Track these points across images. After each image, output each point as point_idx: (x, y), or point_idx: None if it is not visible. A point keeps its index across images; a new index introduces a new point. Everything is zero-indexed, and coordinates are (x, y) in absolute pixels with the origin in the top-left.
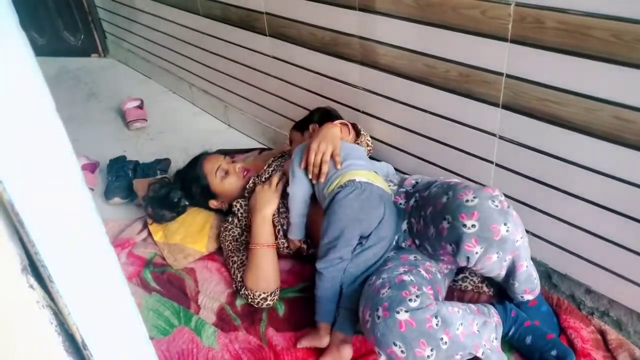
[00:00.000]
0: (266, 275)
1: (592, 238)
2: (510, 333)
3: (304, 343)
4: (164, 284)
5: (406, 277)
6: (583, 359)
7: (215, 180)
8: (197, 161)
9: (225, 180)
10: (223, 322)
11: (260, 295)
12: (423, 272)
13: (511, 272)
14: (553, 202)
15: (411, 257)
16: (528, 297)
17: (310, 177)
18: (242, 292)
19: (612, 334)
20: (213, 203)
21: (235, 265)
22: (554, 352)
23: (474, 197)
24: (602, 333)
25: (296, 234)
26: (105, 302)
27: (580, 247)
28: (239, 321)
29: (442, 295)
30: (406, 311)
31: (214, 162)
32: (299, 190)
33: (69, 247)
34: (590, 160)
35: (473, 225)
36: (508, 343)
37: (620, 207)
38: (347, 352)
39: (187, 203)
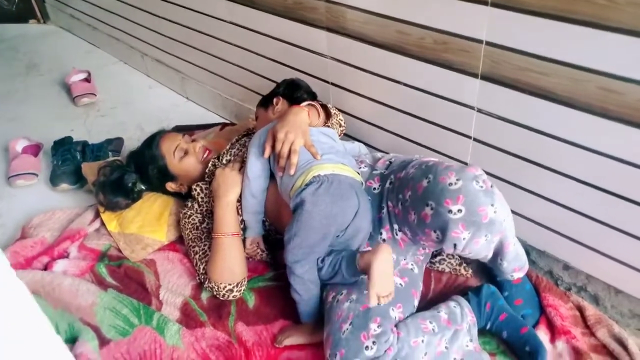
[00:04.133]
0: (231, 265)
1: (572, 214)
2: (487, 327)
3: (287, 342)
4: (122, 279)
5: None
6: (563, 336)
7: (173, 161)
8: (154, 140)
9: (184, 160)
10: (188, 318)
11: (225, 287)
12: (397, 280)
13: (499, 252)
14: (533, 178)
15: None
16: (518, 274)
17: (277, 169)
18: (205, 284)
19: (590, 310)
20: (171, 186)
21: (197, 256)
22: (527, 348)
23: (457, 179)
24: (580, 309)
25: (250, 231)
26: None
27: (559, 224)
28: (205, 316)
29: (417, 298)
30: None
31: (172, 141)
32: (255, 184)
33: None
34: (572, 134)
35: (459, 210)
36: (489, 332)
37: (601, 182)
38: (385, 247)
39: (143, 187)
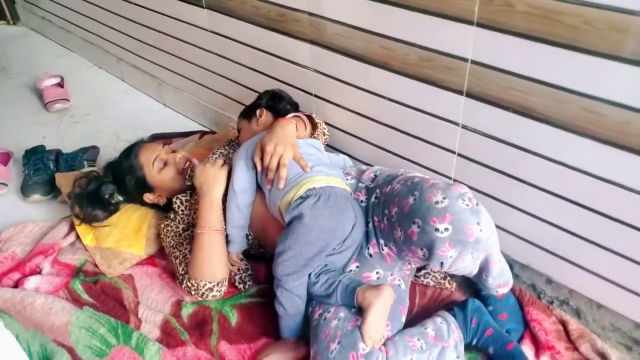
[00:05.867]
0: (212, 262)
1: (555, 230)
2: (474, 343)
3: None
4: (98, 296)
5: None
6: (548, 351)
7: (152, 172)
8: (132, 150)
9: (163, 171)
10: (168, 337)
11: (205, 285)
12: None
13: (484, 268)
14: (516, 194)
15: (374, 276)
16: (503, 290)
17: (265, 182)
18: (184, 284)
19: (573, 324)
20: (148, 197)
21: (177, 260)
22: None
23: (444, 198)
24: (563, 323)
25: (234, 246)
26: None
27: (542, 239)
28: (187, 335)
29: (404, 314)
30: None
31: (151, 152)
32: (241, 197)
33: None
34: (555, 152)
35: (446, 229)
36: (474, 348)
37: (583, 199)
38: (388, 290)
39: (120, 199)
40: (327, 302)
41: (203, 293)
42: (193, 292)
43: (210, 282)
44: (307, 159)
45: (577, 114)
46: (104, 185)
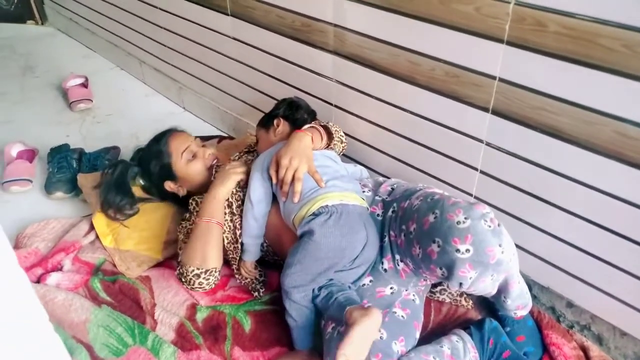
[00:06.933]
0: (204, 250)
1: (578, 252)
2: None
3: None
4: (116, 295)
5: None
6: None
7: (179, 162)
8: (163, 136)
9: (191, 163)
10: (183, 340)
11: (193, 271)
12: (399, 312)
13: (503, 289)
14: (539, 214)
15: (387, 291)
16: (521, 312)
17: (280, 194)
18: (177, 271)
19: (595, 351)
20: (169, 185)
21: (180, 252)
22: None
23: (466, 218)
24: (584, 349)
25: (249, 255)
26: None
27: (564, 261)
28: (201, 339)
29: (418, 330)
30: None
31: (182, 141)
32: (257, 208)
33: None
34: (583, 175)
35: (467, 250)
36: None
37: (610, 223)
38: (377, 313)
39: (142, 183)
40: (327, 315)
41: (190, 279)
42: (183, 280)
43: (198, 269)
44: (323, 171)
45: (609, 137)
46: (129, 168)
